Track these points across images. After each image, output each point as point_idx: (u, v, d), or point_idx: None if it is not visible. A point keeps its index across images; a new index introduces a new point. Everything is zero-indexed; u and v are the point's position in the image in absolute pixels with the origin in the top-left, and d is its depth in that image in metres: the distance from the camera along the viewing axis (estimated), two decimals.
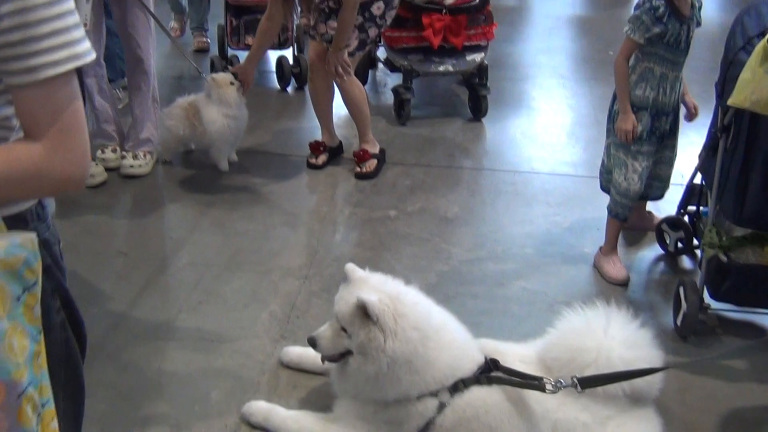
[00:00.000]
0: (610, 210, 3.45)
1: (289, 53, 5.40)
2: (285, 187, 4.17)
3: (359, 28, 4.06)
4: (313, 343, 2.38)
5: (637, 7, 3.16)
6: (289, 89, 5.35)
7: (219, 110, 4.08)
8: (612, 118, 3.37)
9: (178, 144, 4.30)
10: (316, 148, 4.38)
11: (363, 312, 2.23)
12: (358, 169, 4.29)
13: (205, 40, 6.03)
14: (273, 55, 5.41)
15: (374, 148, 4.35)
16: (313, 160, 4.36)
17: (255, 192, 4.12)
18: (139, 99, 4.26)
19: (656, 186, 3.51)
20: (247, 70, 4.18)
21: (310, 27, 4.18)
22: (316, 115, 4.45)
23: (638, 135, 3.26)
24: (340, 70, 4.05)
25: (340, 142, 4.47)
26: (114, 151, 4.26)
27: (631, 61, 3.23)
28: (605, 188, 3.56)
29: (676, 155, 3.45)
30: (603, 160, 3.55)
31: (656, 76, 3.20)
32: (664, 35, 3.12)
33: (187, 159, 4.42)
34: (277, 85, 5.43)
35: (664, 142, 3.36)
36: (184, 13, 6.16)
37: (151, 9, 4.09)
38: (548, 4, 7.70)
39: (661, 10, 3.09)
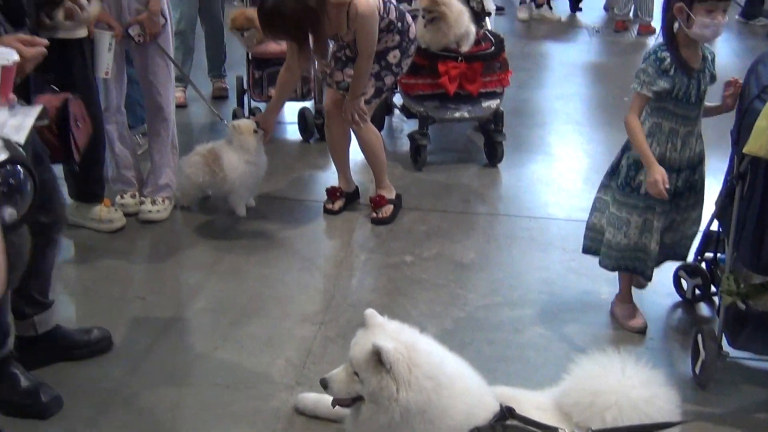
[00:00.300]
0: (606, 266, 3.33)
1: (311, 104, 5.42)
2: (302, 233, 4.19)
3: (375, 76, 4.10)
4: (325, 384, 2.38)
5: (644, 59, 3.07)
6: (312, 141, 5.31)
7: (240, 157, 4.13)
8: (616, 173, 3.23)
9: (196, 191, 4.33)
10: (332, 193, 4.40)
11: (377, 358, 2.22)
12: (375, 215, 4.30)
13: (223, 85, 6.07)
14: (295, 107, 5.41)
15: (390, 194, 4.36)
16: (329, 206, 4.38)
17: (272, 237, 4.13)
18: (159, 145, 4.31)
19: (681, 245, 3.35)
20: (268, 119, 4.22)
21: (327, 75, 4.23)
22: (333, 161, 4.48)
23: (642, 191, 3.13)
24: (357, 117, 4.08)
25: (357, 188, 4.49)
26: (133, 196, 4.30)
27: (642, 115, 3.11)
28: (592, 250, 3.40)
29: (700, 215, 3.27)
30: (589, 221, 3.38)
31: (665, 131, 3.08)
32: (672, 89, 3.01)
33: (204, 204, 4.45)
34: (297, 137, 5.38)
35: (681, 201, 3.20)
36: (191, 55, 6.05)
37: (172, 57, 4.15)
38: (563, 52, 7.75)
39: (667, 62, 2.99)
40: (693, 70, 3.02)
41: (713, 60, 3.12)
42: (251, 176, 4.19)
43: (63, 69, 3.24)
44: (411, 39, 4.14)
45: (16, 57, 1.97)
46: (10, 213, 2.07)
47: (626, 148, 3.22)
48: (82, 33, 3.76)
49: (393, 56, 4.09)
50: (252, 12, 4.75)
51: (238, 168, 4.13)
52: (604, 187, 3.33)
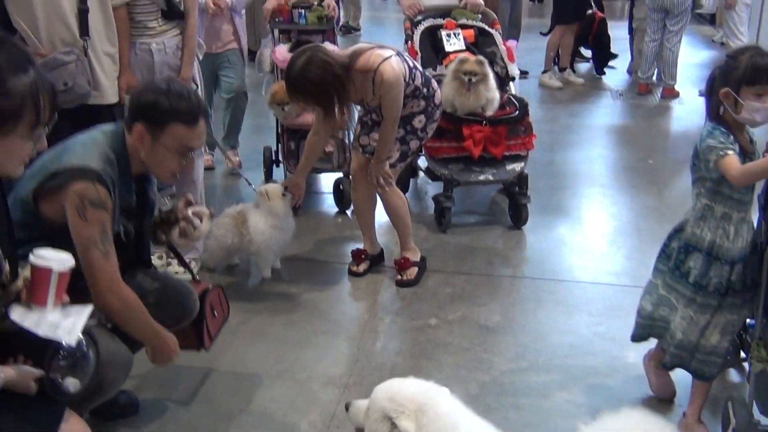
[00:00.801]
0: (665, 364, 3.13)
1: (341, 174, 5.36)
2: (327, 295, 4.19)
3: (401, 141, 4.13)
4: (347, 407, 2.36)
5: (705, 138, 2.81)
6: (350, 213, 5.19)
7: (267, 221, 4.13)
8: (666, 256, 3.04)
9: (224, 253, 4.31)
10: (357, 255, 4.40)
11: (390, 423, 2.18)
12: (399, 277, 4.29)
13: (236, 157, 5.85)
14: (331, 177, 5.40)
15: (415, 256, 4.36)
16: (354, 268, 4.38)
17: (297, 299, 4.14)
18: (192, 193, 4.33)
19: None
20: (297, 183, 4.23)
21: (354, 139, 4.27)
22: (359, 223, 4.49)
23: (691, 279, 2.94)
24: (382, 181, 4.11)
25: (382, 250, 4.50)
26: (160, 258, 4.33)
27: (693, 194, 2.91)
28: (643, 338, 3.20)
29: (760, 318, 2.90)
30: (641, 308, 3.15)
31: (716, 216, 2.87)
32: None
33: (230, 267, 4.46)
34: (333, 208, 5.32)
35: (733, 298, 2.91)
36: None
37: None
38: (587, 114, 7.79)
39: (731, 139, 2.78)
40: (747, 152, 2.85)
41: (752, 142, 2.93)
42: (278, 241, 4.20)
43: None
44: (436, 104, 4.17)
45: (71, 263, 2.10)
46: (74, 384, 2.18)
47: (677, 230, 3.03)
48: (113, 98, 3.85)
49: (418, 121, 4.12)
50: None
51: (265, 232, 4.14)
52: (655, 270, 3.11)
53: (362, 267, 4.39)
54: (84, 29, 3.73)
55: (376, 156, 4.08)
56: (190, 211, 2.86)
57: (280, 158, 5.45)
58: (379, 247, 4.50)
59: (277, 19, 5.28)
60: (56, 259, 2.08)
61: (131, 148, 2.70)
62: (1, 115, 1.83)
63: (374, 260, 4.45)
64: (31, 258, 2.07)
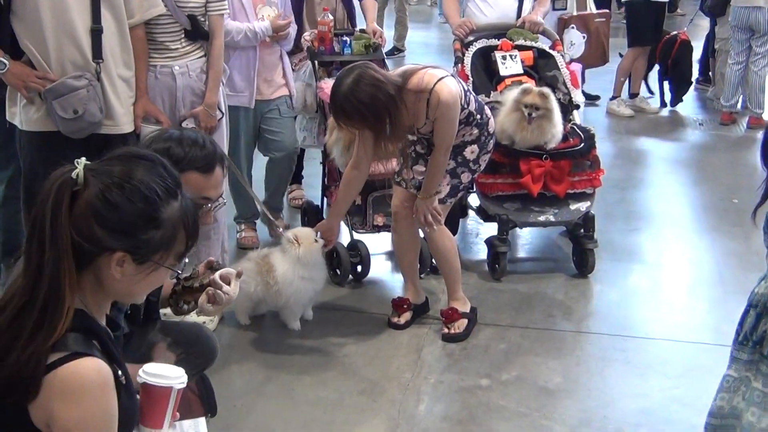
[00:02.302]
0: None
1: None
2: (363, 350, 4.17)
3: (451, 173, 4.14)
4: None
5: None
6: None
7: (296, 270, 4.12)
8: (750, 339, 2.60)
9: (248, 302, 4.30)
10: (399, 305, 4.40)
11: None
12: (446, 330, 4.27)
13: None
14: None
15: (464, 307, 4.34)
16: (395, 319, 4.37)
17: (329, 354, 4.13)
18: (208, 249, 4.35)
19: None
20: (332, 228, 4.23)
21: (396, 173, 4.29)
22: (400, 268, 4.49)
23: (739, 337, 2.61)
24: (430, 218, 4.10)
25: (426, 299, 4.48)
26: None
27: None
28: None
29: None
30: (713, 407, 2.67)
31: None
32: None
33: (254, 316, 4.45)
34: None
35: None
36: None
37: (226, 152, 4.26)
38: (662, 147, 7.76)
39: None
40: None
41: None
42: (307, 292, 4.20)
43: None
44: (490, 133, 4.19)
45: (186, 377, 2.13)
46: None
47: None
48: (128, 127, 3.91)
49: (471, 151, 4.14)
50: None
51: (294, 283, 4.13)
52: (734, 360, 2.66)
53: (404, 318, 4.37)
54: (97, 51, 3.79)
55: (424, 190, 4.08)
56: (217, 276, 2.88)
57: (324, 215, 5.17)
58: (424, 295, 4.48)
59: (318, 50, 5.13)
60: (173, 376, 2.08)
61: None
62: (153, 247, 1.87)
63: (418, 310, 4.44)
64: (144, 377, 2.06)
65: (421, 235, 4.40)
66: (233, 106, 4.76)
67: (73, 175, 1.80)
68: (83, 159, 1.83)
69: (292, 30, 5.04)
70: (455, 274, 4.33)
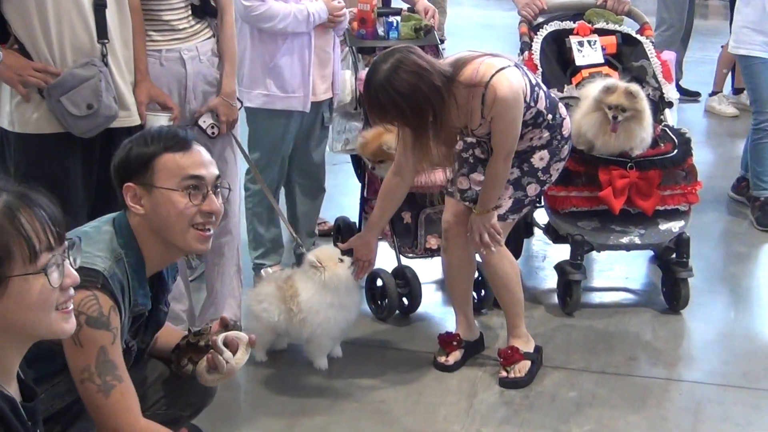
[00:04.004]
0: None
1: None
2: (403, 395, 4.14)
3: (515, 184, 4.08)
4: None
5: None
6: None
7: (322, 297, 4.12)
8: None
9: (269, 336, 4.28)
10: (447, 342, 4.36)
11: None
12: (504, 374, 4.21)
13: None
14: None
15: (527, 346, 4.28)
16: (442, 359, 4.34)
17: (361, 399, 4.10)
18: (221, 268, 4.35)
19: None
20: (369, 243, 4.21)
21: (448, 181, 4.24)
22: (451, 296, 4.46)
23: None
24: (487, 238, 4.04)
25: (481, 335, 4.44)
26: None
27: None
28: None
29: None
30: None
31: None
32: None
33: (275, 351, 4.44)
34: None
35: None
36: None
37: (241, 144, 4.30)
38: None
39: None
40: None
41: None
42: (337, 323, 4.18)
43: (107, 164, 3.39)
44: (564, 137, 4.13)
45: None
46: None
47: None
48: (134, 120, 3.88)
49: (539, 158, 4.07)
50: (391, 135, 4.40)
51: (320, 313, 4.12)
52: None
53: (453, 358, 4.34)
54: (102, 30, 3.77)
55: (481, 203, 4.03)
56: (221, 339, 2.89)
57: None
58: (478, 331, 4.45)
59: (358, 33, 5.10)
60: None
61: (138, 229, 2.78)
62: None
63: (470, 349, 4.39)
64: None
65: (478, 258, 4.35)
66: (281, 110, 4.75)
67: None
68: None
69: (348, 13, 5.00)
70: (517, 306, 4.28)
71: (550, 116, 4.04)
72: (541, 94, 4.02)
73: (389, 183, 4.12)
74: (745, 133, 7.89)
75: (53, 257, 1.96)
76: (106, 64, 3.78)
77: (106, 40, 3.77)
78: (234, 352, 2.87)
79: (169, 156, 2.75)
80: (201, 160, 2.80)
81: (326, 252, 4.19)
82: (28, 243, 1.93)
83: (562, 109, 4.16)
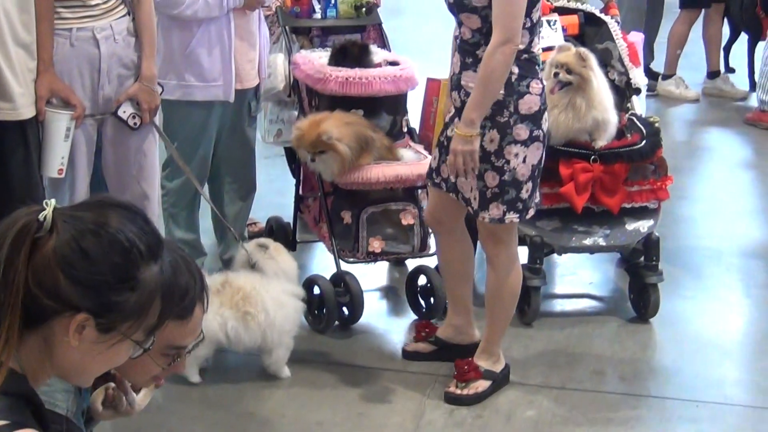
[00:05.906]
0: None
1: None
2: (342, 416, 4.15)
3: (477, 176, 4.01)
4: None
5: None
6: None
7: (282, 287, 4.21)
8: None
9: (208, 351, 4.23)
10: (417, 329, 4.52)
11: None
12: (452, 389, 4.20)
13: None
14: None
15: (494, 366, 4.25)
16: (406, 346, 4.49)
17: (297, 422, 4.11)
18: None
19: None
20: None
21: (432, 170, 4.23)
22: (446, 288, 4.53)
23: None
24: (461, 163, 3.92)
25: (471, 345, 4.37)
26: None
27: None
28: None
29: None
30: None
31: None
32: None
33: (208, 369, 4.40)
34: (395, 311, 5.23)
35: None
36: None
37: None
38: (747, 145, 7.85)
39: None
40: None
41: None
42: (298, 313, 4.30)
43: None
44: (520, 113, 3.96)
45: None
46: None
47: None
48: (28, 112, 3.83)
49: (489, 140, 3.96)
50: (330, 123, 4.51)
51: (287, 303, 4.22)
52: None
53: (417, 348, 4.47)
54: None
55: (464, 114, 3.90)
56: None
57: (297, 238, 5.32)
58: (469, 337, 4.43)
59: (292, 11, 5.11)
60: None
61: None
62: (123, 313, 1.91)
63: (443, 350, 4.42)
64: None
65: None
66: (201, 101, 4.73)
67: (40, 217, 1.85)
68: (53, 201, 1.89)
69: None
70: (503, 323, 4.29)
71: (516, 72, 3.89)
72: (536, 40, 3.97)
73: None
74: (716, 119, 8.14)
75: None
76: None
77: None
78: (137, 392, 2.81)
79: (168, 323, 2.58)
80: (195, 327, 2.60)
81: (263, 240, 4.36)
82: (159, 317, 2.00)
83: (535, 84, 3.99)
